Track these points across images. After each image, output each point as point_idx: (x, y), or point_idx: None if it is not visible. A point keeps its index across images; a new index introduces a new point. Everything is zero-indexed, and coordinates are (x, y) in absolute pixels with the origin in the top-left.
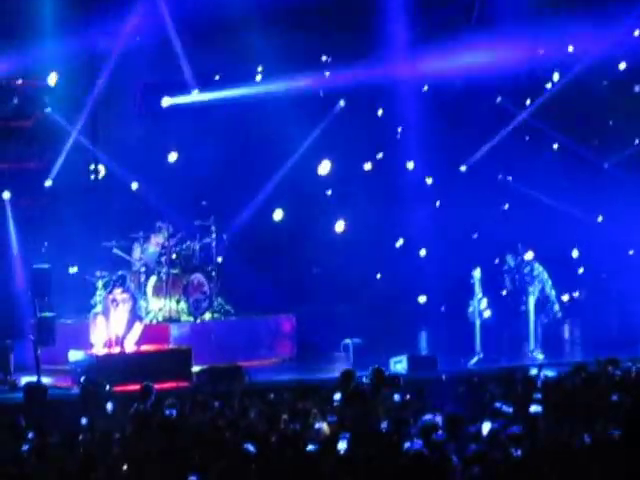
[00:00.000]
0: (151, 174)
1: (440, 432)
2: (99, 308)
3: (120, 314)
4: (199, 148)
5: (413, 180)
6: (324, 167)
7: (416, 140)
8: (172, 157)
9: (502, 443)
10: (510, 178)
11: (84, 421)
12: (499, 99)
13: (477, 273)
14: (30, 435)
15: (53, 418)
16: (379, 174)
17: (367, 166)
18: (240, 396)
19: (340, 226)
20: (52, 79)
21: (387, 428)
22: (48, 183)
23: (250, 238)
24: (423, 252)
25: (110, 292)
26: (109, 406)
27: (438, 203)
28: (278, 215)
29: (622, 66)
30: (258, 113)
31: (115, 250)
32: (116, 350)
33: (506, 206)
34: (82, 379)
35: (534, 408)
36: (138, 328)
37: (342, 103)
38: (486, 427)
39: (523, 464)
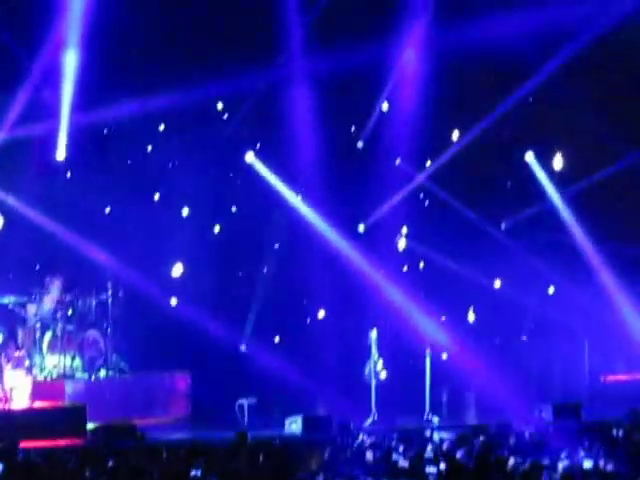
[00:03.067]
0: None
1: None
2: None
3: (11, 370)
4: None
5: (312, 238)
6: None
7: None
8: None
9: None
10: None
11: None
12: (398, 160)
13: (373, 334)
14: None
15: None
16: (282, 233)
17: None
18: (134, 455)
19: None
20: None
21: None
22: None
23: (144, 295)
24: (321, 313)
25: (1, 348)
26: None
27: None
28: (177, 270)
29: None
30: None
31: (11, 305)
32: (8, 406)
33: (405, 268)
34: None
35: (430, 469)
36: (27, 384)
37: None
38: None
39: None
